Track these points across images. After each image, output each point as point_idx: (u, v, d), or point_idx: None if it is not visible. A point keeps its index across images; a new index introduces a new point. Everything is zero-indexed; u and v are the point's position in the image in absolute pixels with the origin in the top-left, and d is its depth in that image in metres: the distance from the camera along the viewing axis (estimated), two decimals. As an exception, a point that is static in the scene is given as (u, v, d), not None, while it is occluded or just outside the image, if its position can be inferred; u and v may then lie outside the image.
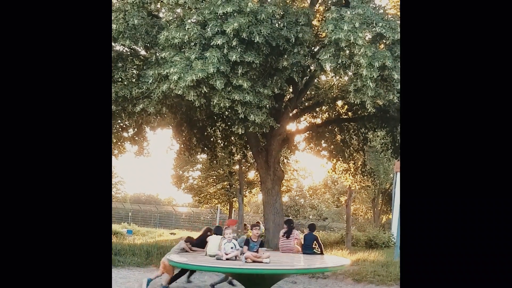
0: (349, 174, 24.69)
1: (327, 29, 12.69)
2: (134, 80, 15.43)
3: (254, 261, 11.70)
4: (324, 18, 14.43)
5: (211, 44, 12.92)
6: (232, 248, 12.12)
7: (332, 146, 22.90)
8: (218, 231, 13.04)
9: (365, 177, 25.23)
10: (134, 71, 16.18)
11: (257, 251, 12.15)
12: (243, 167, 36.73)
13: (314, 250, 13.15)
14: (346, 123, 21.89)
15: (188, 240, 13.61)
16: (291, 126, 20.96)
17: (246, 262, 11.66)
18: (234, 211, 44.32)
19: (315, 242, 13.25)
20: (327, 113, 22.30)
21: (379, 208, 43.72)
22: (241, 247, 11.87)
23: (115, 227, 31.82)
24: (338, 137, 22.58)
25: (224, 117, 19.63)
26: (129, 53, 16.20)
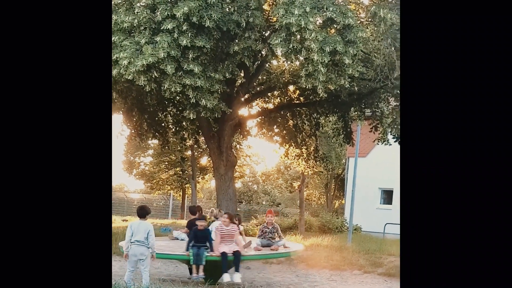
0: (301, 159, 24.70)
1: (278, 14, 12.63)
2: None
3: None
4: (274, 3, 14.36)
5: (161, 28, 12.78)
6: None
7: (284, 132, 22.89)
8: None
9: (317, 163, 25.29)
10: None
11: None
12: (195, 153, 36.60)
13: None
14: (298, 108, 21.87)
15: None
16: (243, 111, 20.90)
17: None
18: (187, 197, 44.14)
19: None
20: (279, 98, 22.23)
21: (332, 194, 43.93)
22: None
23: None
24: (290, 122, 22.56)
25: (175, 102, 19.42)
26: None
